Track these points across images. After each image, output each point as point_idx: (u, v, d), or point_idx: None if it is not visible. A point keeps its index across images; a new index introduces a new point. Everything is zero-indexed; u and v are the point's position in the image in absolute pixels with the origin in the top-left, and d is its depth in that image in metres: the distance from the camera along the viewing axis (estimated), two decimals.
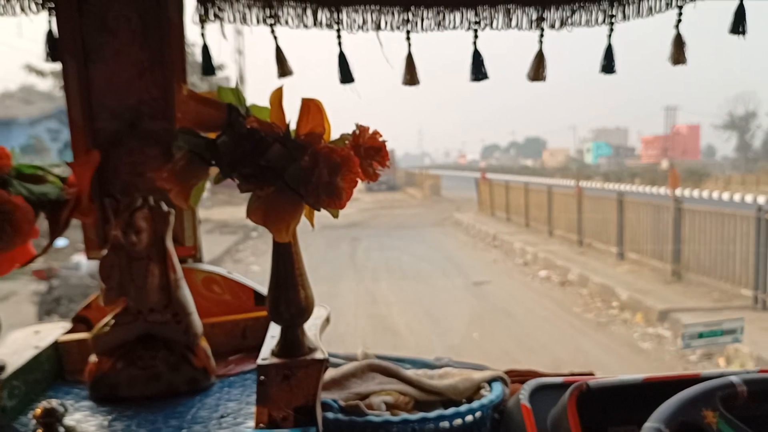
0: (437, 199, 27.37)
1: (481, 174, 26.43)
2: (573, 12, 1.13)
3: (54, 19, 1.07)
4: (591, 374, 1.33)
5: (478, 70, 1.13)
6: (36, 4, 1.06)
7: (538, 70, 1.17)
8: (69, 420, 0.95)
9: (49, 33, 1.08)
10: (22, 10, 1.05)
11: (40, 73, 15.30)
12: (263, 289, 1.25)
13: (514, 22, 1.12)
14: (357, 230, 16.30)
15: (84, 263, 6.87)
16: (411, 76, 1.12)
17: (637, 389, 1.07)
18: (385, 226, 17.33)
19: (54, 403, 0.93)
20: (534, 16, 1.13)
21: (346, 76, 1.12)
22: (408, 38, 1.11)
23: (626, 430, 1.08)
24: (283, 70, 1.12)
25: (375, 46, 1.15)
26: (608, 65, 1.20)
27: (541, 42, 1.16)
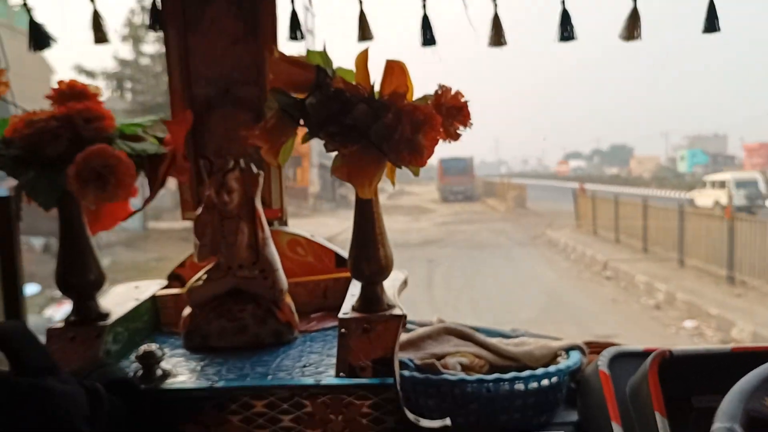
0: (523, 212, 23.85)
1: (579, 185, 23.25)
2: None
3: None
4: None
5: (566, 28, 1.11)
6: None
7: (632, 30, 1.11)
8: (165, 364, 1.03)
9: (153, 4, 1.16)
10: None
11: (90, 74, 15.64)
12: (344, 252, 1.29)
13: None
14: (433, 249, 13.72)
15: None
16: (498, 37, 1.12)
17: (724, 359, 1.04)
18: (465, 245, 14.40)
19: (153, 346, 1.00)
20: None
21: (428, 38, 1.14)
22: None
23: (711, 399, 1.06)
24: (365, 34, 1.15)
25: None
26: (710, 23, 1.14)
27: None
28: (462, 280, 10.14)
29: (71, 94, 1.03)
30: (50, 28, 1.24)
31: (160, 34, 1.18)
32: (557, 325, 7.07)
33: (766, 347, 1.05)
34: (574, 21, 1.13)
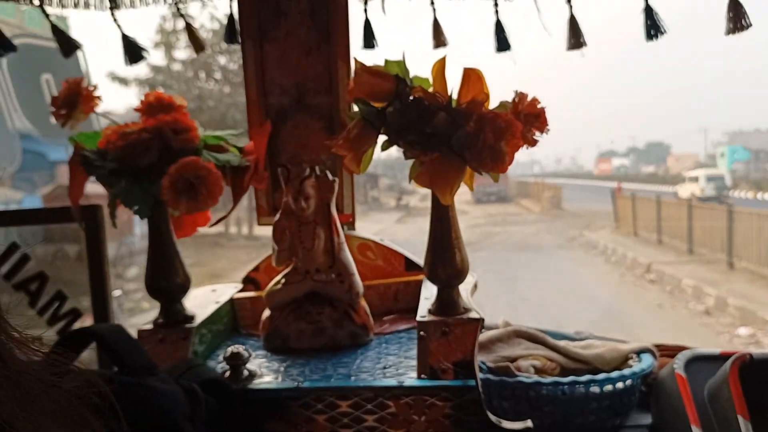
0: (558, 213, 23.18)
1: (617, 186, 22.74)
2: None
3: (235, 5, 1.19)
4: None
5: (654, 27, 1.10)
6: None
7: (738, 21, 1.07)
8: (251, 365, 1.07)
9: (230, 17, 1.21)
10: None
11: (123, 81, 15.53)
12: (413, 256, 1.32)
13: None
14: (468, 253, 13.66)
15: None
16: (576, 39, 1.13)
17: None
18: (500, 248, 13.94)
19: (240, 348, 1.05)
20: None
21: (502, 44, 1.15)
22: (569, 1, 1.12)
23: None
24: (439, 40, 1.17)
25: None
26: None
27: None
28: (499, 285, 9.57)
29: (159, 106, 1.08)
30: (81, 35, 1.29)
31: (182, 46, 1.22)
32: (603, 334, 6.26)
33: None
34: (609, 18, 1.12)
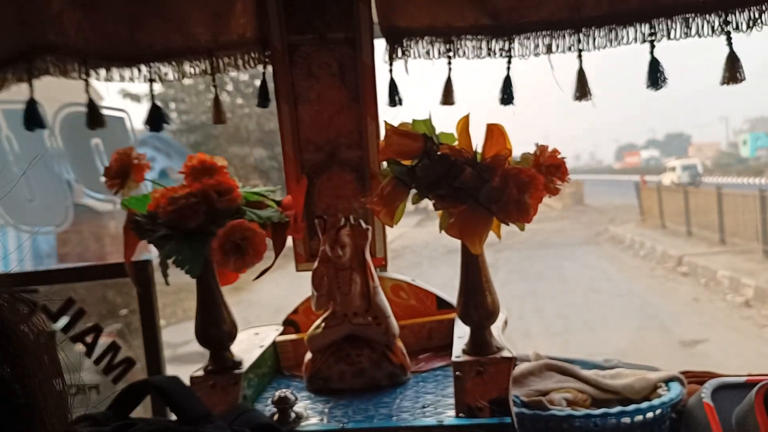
0: (581, 209, 22.79)
1: (641, 178, 22.55)
2: (761, 12, 1.10)
3: (270, 70, 1.28)
4: None
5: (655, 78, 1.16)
6: (256, 59, 1.28)
7: (733, 72, 1.14)
8: (297, 407, 1.14)
9: (263, 82, 1.30)
10: (245, 64, 1.28)
11: (135, 98, 14.88)
12: (444, 294, 1.38)
13: (693, 30, 1.11)
14: (490, 253, 12.24)
15: None
16: (583, 91, 1.20)
17: None
18: (524, 246, 13.38)
19: (287, 392, 1.11)
20: (716, 23, 1.11)
21: (508, 97, 1.23)
22: (579, 56, 1.19)
23: None
24: (448, 99, 1.25)
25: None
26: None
27: (730, 45, 1.11)
28: (524, 285, 9.09)
29: (202, 169, 1.16)
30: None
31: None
32: (638, 332, 6.41)
33: None
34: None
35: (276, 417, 1.11)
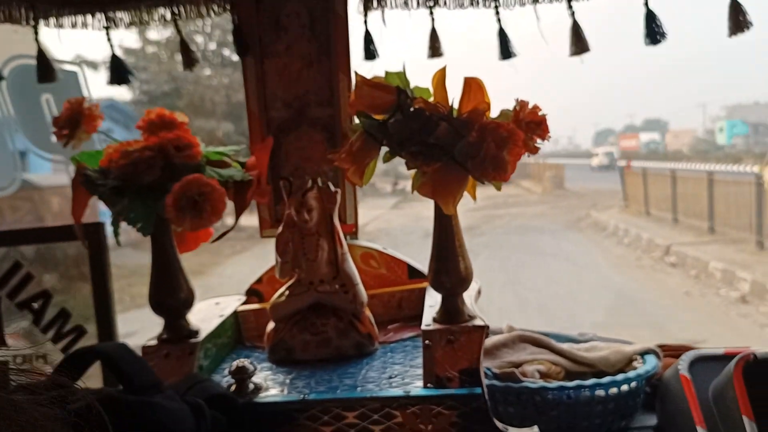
0: (561, 193, 22.01)
1: (627, 163, 22.02)
2: None
3: (235, 18, 1.19)
4: (751, 348, 1.29)
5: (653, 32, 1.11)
6: (218, 5, 1.19)
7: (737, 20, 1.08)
8: (256, 378, 1.07)
9: (236, 29, 1.20)
10: (207, 11, 1.19)
11: (93, 65, 13.38)
12: (416, 263, 1.33)
13: None
14: (468, 238, 10.41)
15: None
16: (581, 45, 1.14)
17: None
18: (503, 232, 12.91)
19: (246, 361, 1.05)
20: None
21: (506, 52, 1.16)
22: (570, 7, 1.13)
23: None
24: (436, 50, 1.18)
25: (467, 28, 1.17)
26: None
27: None
28: (504, 274, 8.60)
29: (161, 123, 1.08)
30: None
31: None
32: (628, 329, 5.52)
33: None
34: None
35: (233, 388, 1.04)
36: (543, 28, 1.18)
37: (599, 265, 9.36)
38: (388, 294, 1.30)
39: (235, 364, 1.05)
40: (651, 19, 1.10)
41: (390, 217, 15.54)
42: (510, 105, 0.96)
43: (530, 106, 0.95)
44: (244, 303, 1.35)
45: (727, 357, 1.11)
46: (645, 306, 6.97)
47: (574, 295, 7.45)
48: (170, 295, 1.11)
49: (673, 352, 1.36)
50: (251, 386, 1.05)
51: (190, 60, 1.27)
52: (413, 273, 1.32)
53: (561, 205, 18.05)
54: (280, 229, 1.17)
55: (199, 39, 15.45)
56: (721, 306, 6.96)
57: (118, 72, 1.30)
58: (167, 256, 1.10)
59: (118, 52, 1.30)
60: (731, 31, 1.05)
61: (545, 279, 8.40)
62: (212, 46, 15.55)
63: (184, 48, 1.27)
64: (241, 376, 1.04)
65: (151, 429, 0.85)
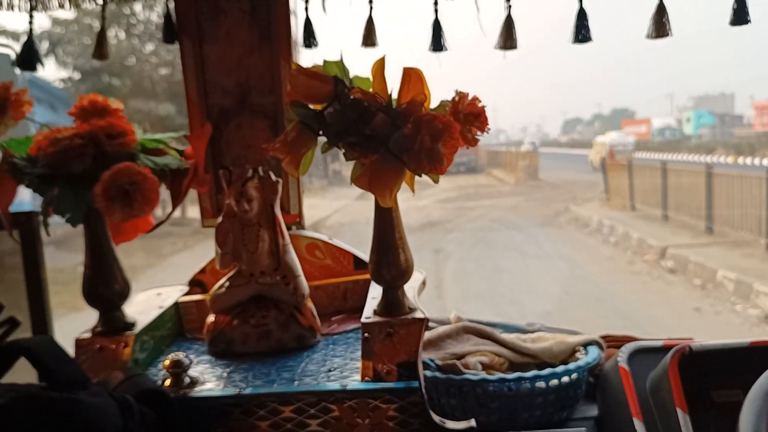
0: (535, 184, 20.90)
1: (610, 152, 21.08)
2: None
3: (172, 3, 1.15)
4: (690, 339, 1.31)
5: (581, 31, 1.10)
6: None
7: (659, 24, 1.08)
8: (193, 371, 1.05)
9: (167, 16, 1.17)
10: None
11: (14, 36, 12.15)
12: (362, 254, 1.31)
13: None
14: (438, 234, 11.05)
15: None
16: (510, 40, 1.13)
17: (743, 353, 1.06)
18: (476, 228, 11.70)
19: (181, 355, 1.03)
20: None
21: (437, 44, 1.15)
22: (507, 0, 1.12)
23: (730, 394, 1.07)
24: (370, 40, 1.16)
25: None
26: (740, 14, 1.06)
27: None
28: (481, 280, 7.59)
29: (93, 110, 1.04)
30: None
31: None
32: None
33: None
34: None
35: (168, 382, 1.02)
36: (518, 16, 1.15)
37: (588, 271, 8.15)
38: (333, 285, 1.29)
39: (170, 357, 1.02)
40: (581, 17, 1.09)
41: (355, 208, 14.76)
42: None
43: (470, 97, 0.94)
44: (187, 294, 1.32)
45: (665, 349, 1.13)
46: (649, 327, 5.51)
47: (564, 310, 6.19)
48: (104, 286, 1.07)
49: (617, 342, 1.37)
50: (187, 380, 1.03)
51: (102, 52, 1.23)
52: (359, 264, 1.31)
53: (536, 197, 17.14)
54: (220, 219, 1.14)
55: (140, 9, 13.80)
56: (743, 328, 5.72)
57: (29, 57, 1.25)
58: (101, 247, 1.06)
59: (48, 24, 1.23)
60: (652, 35, 1.06)
61: (528, 286, 7.30)
62: (154, 17, 13.66)
63: (101, 38, 1.22)
64: (176, 369, 1.02)
65: (75, 427, 0.83)
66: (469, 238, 10.67)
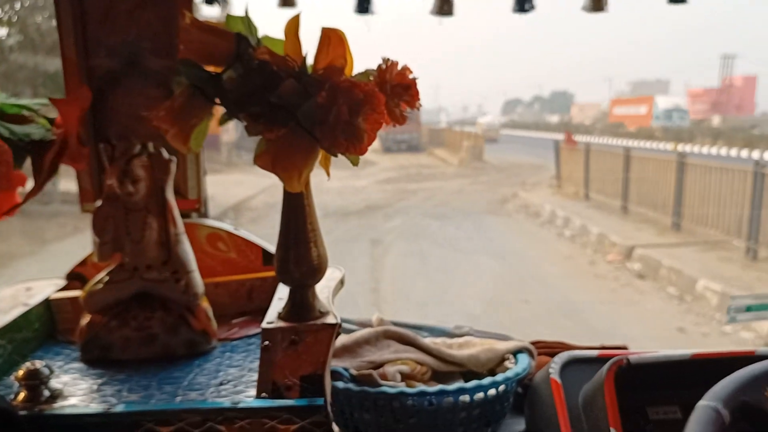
0: (480, 165, 19.86)
1: (566, 135, 19.38)
2: None
3: None
4: (624, 347, 1.24)
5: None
6: None
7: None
8: (56, 382, 0.87)
9: None
10: None
11: None
12: (272, 247, 1.16)
13: None
14: (377, 221, 10.08)
15: None
16: (447, 4, 1.00)
17: (684, 366, 0.97)
18: (419, 213, 10.77)
19: (38, 364, 0.84)
20: None
21: (363, 5, 1.01)
22: None
23: (667, 410, 0.99)
24: None
25: None
26: None
27: None
28: (425, 282, 6.67)
29: None
30: None
31: None
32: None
33: (726, 353, 0.99)
34: None
35: (22, 396, 0.84)
36: None
37: (547, 273, 7.24)
38: (237, 282, 1.13)
39: (24, 366, 0.84)
40: None
41: (273, 192, 12.74)
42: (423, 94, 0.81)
43: (399, 66, 0.80)
44: (64, 288, 1.13)
45: (601, 360, 1.03)
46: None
47: (527, 325, 5.26)
48: None
49: (549, 350, 1.28)
50: (46, 393, 0.85)
51: None
52: (268, 259, 1.15)
53: (482, 180, 16.19)
54: (99, 202, 0.96)
55: None
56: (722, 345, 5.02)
57: None
58: None
59: None
60: (588, 9, 0.96)
61: (480, 292, 6.33)
62: None
63: None
64: (33, 381, 0.84)
65: None
66: (411, 227, 9.64)
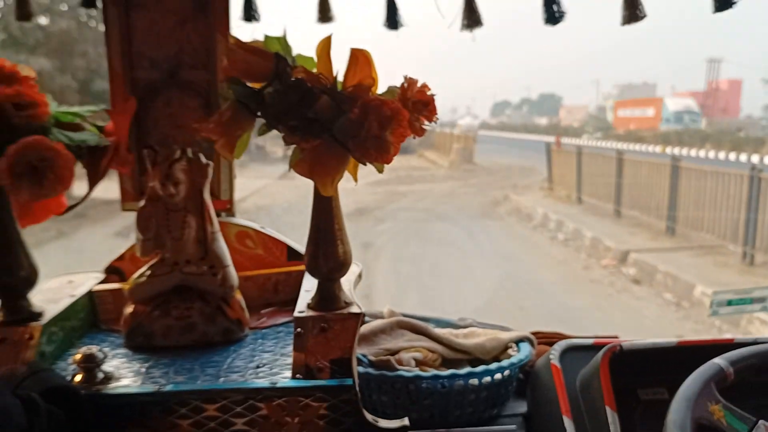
0: (470, 168, 20.14)
1: (556, 139, 19.82)
2: None
3: None
4: (616, 337, 1.34)
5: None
6: None
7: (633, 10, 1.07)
8: (107, 366, 0.97)
9: None
10: None
11: None
12: (296, 244, 1.26)
13: None
14: (368, 224, 9.92)
15: None
16: (474, 19, 1.10)
17: (670, 353, 1.08)
18: (410, 218, 10.64)
19: (94, 349, 0.94)
20: None
21: (393, 21, 1.10)
22: None
23: (656, 391, 1.10)
24: (325, 15, 1.10)
25: None
26: None
27: None
28: (419, 288, 6.56)
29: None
30: None
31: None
32: None
33: (708, 341, 1.09)
34: None
35: (79, 378, 0.93)
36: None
37: (541, 278, 7.10)
38: (264, 276, 1.23)
39: (81, 351, 0.94)
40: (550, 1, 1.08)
41: (276, 189, 13.48)
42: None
43: (419, 84, 0.90)
44: (102, 282, 1.22)
45: (596, 347, 1.14)
46: None
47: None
48: (8, 272, 0.97)
49: (548, 339, 1.39)
50: (100, 376, 0.95)
51: (25, 12, 1.12)
52: (292, 255, 1.25)
53: (472, 182, 16.16)
54: (143, 202, 1.06)
55: None
56: None
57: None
58: (4, 229, 0.96)
59: None
60: (625, 21, 1.05)
61: (476, 298, 6.24)
62: None
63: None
64: (89, 364, 0.93)
65: None
66: (403, 230, 9.53)
